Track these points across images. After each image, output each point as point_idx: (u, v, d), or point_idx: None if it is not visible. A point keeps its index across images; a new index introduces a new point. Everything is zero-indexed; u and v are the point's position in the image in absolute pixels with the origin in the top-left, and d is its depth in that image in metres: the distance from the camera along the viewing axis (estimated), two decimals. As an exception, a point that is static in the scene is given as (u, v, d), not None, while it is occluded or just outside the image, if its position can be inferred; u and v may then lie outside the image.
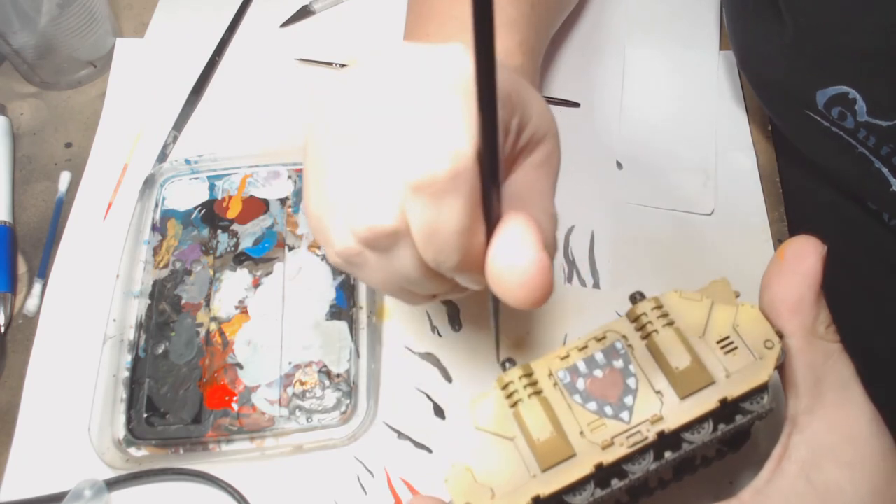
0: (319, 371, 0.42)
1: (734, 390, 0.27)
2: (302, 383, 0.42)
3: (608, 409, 0.27)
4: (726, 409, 0.28)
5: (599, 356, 0.28)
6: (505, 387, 0.28)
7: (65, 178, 0.51)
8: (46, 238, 0.48)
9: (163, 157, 0.51)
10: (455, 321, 0.45)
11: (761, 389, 0.28)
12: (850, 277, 0.49)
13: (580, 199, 0.49)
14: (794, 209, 0.50)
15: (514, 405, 0.28)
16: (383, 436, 0.41)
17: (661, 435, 0.27)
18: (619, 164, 0.51)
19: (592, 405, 0.28)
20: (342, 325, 0.44)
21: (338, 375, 0.42)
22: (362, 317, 0.44)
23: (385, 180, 0.24)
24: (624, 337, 0.29)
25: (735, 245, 0.48)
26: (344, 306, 0.45)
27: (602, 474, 0.27)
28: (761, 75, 0.48)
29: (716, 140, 0.52)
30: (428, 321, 0.45)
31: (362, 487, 0.40)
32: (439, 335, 0.45)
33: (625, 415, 0.27)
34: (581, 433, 0.27)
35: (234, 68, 0.57)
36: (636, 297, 0.30)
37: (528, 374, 0.28)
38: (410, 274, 0.26)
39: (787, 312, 0.29)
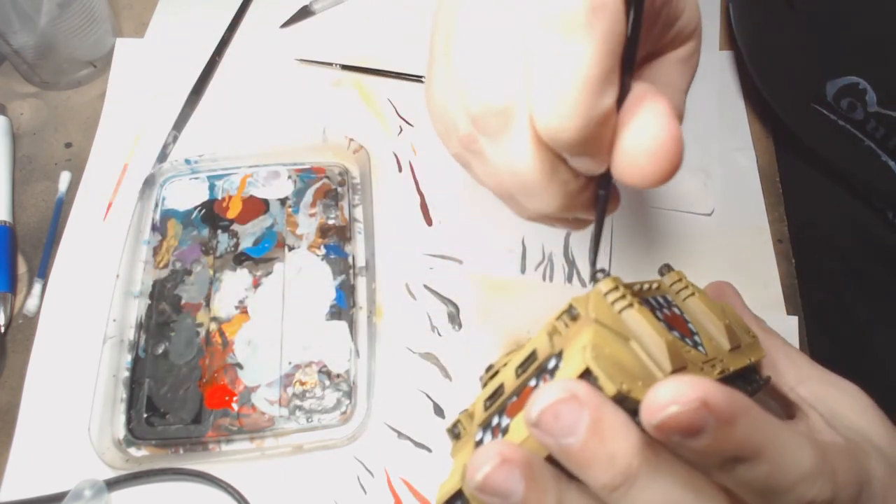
0: (319, 371, 0.42)
1: (756, 356, 0.29)
2: (302, 383, 0.42)
3: (688, 341, 0.26)
4: (746, 376, 0.29)
5: (661, 299, 0.28)
6: (606, 294, 0.25)
7: (65, 178, 0.51)
8: (46, 238, 0.48)
9: (163, 157, 0.51)
10: (455, 321, 0.45)
11: (757, 368, 0.30)
12: (851, 276, 0.49)
13: (580, 199, 0.49)
14: (794, 209, 0.50)
15: (620, 311, 0.24)
16: (383, 436, 0.41)
17: (726, 374, 0.26)
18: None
19: (676, 333, 0.26)
20: (342, 325, 0.44)
21: (338, 375, 0.42)
22: (362, 317, 0.44)
23: (504, 48, 0.22)
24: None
25: (735, 245, 0.48)
26: (344, 306, 0.45)
27: None
28: (769, 68, 0.48)
29: (716, 140, 0.52)
30: (428, 321, 0.45)
31: (362, 487, 0.40)
32: (439, 335, 0.45)
33: (701, 349, 0.26)
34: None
35: (234, 68, 0.57)
36: (663, 271, 0.30)
37: (617, 287, 0.25)
38: (523, 163, 0.24)
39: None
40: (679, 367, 0.23)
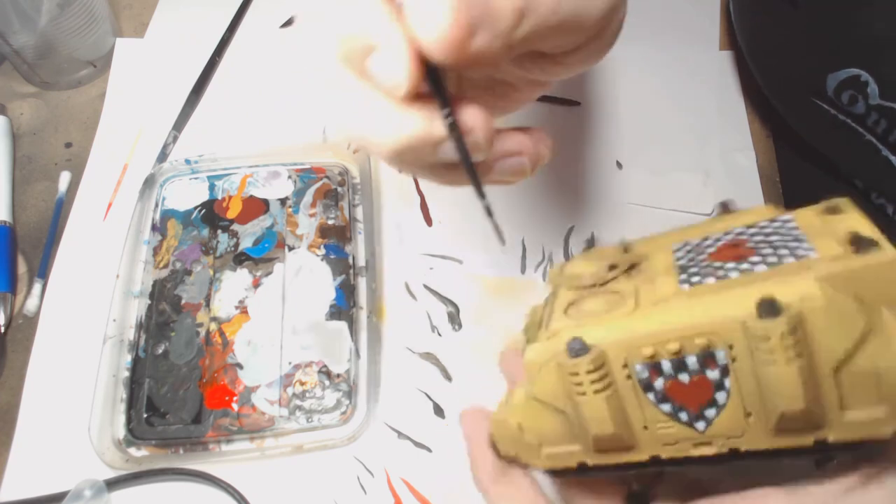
0: (319, 371, 0.42)
1: (844, 434, 0.22)
2: (302, 383, 0.42)
3: (683, 415, 0.23)
4: (819, 449, 0.23)
5: (692, 361, 0.22)
6: (573, 373, 0.24)
7: (65, 178, 0.51)
8: (46, 238, 0.48)
9: (163, 157, 0.51)
10: (455, 321, 0.45)
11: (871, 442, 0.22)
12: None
13: (580, 199, 0.49)
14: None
15: (576, 394, 0.24)
16: (383, 436, 0.41)
17: (733, 451, 0.24)
18: (619, 164, 0.51)
19: (667, 406, 0.23)
20: (342, 325, 0.44)
21: (338, 375, 0.42)
22: (362, 317, 0.44)
23: None
24: (731, 347, 0.22)
25: (735, 245, 0.48)
26: (344, 306, 0.45)
27: (658, 463, 0.25)
28: (770, 63, 0.48)
29: (716, 140, 0.52)
30: (428, 321, 0.45)
31: (362, 487, 0.40)
32: (439, 335, 0.45)
33: (700, 425, 0.23)
34: (645, 427, 0.24)
35: (234, 68, 0.57)
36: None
37: (599, 367, 0.23)
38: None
39: None
40: (611, 450, 0.24)
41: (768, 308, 0.20)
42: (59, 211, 0.49)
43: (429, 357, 0.44)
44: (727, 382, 0.22)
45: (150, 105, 0.54)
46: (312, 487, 0.40)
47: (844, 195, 0.26)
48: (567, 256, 0.47)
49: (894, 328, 0.21)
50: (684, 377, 0.23)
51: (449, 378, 0.43)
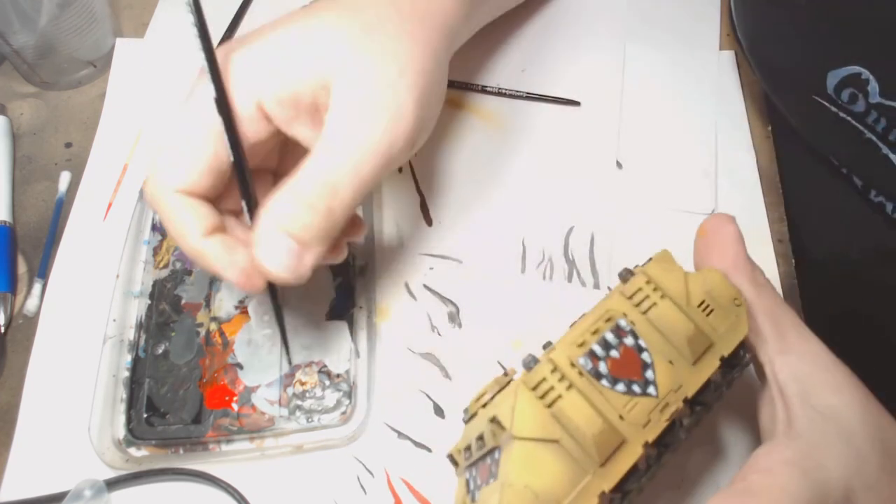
0: (319, 371, 0.42)
1: (727, 347, 0.29)
2: (302, 383, 0.42)
3: (636, 388, 0.27)
4: (722, 367, 0.29)
5: (610, 336, 0.28)
6: (535, 387, 0.27)
7: (65, 178, 0.51)
8: (46, 238, 0.48)
9: (163, 157, 0.51)
10: (455, 321, 0.45)
11: (743, 343, 0.30)
12: (853, 275, 0.49)
13: (580, 199, 0.49)
14: (794, 209, 0.50)
15: (552, 404, 0.26)
16: (383, 436, 0.41)
17: (686, 401, 0.28)
18: (619, 164, 0.51)
19: (621, 386, 0.27)
20: (342, 325, 0.44)
21: (338, 375, 0.42)
22: (362, 317, 0.44)
23: None
24: (625, 314, 0.29)
25: (735, 245, 0.48)
26: (344, 306, 0.45)
27: (649, 452, 0.27)
28: (770, 59, 0.48)
29: (716, 140, 0.52)
30: (428, 321, 0.45)
31: (362, 487, 0.40)
32: (439, 335, 0.45)
33: (651, 389, 0.27)
34: (620, 417, 0.27)
35: (234, 68, 0.56)
36: (625, 275, 0.31)
37: (555, 369, 0.27)
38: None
39: (730, 272, 0.31)
40: (610, 453, 0.26)
41: (625, 274, 0.32)
42: (59, 211, 0.49)
43: (429, 357, 0.44)
44: (641, 342, 0.28)
45: (150, 105, 0.54)
46: (312, 487, 0.40)
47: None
48: (567, 256, 0.47)
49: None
50: (614, 353, 0.28)
51: (449, 378, 0.43)
